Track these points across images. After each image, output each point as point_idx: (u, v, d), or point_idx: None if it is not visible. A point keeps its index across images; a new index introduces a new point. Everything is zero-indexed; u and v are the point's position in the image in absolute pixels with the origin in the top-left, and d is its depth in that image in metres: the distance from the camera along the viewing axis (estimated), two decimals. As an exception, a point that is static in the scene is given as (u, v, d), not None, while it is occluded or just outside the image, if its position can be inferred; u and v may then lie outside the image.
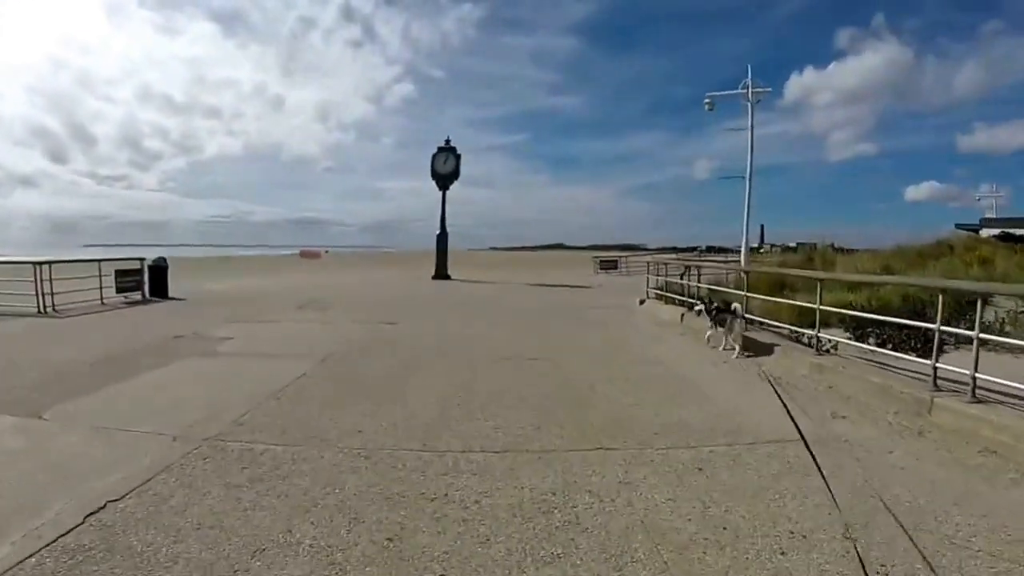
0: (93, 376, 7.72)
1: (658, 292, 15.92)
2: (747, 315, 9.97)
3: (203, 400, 6.56)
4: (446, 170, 28.33)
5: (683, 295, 13.89)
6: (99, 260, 16.87)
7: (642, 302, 16.06)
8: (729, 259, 39.28)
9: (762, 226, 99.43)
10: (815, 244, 26.44)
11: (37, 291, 14.17)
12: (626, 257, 42.28)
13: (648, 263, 18.55)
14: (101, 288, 16.08)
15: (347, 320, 13.31)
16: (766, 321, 10.18)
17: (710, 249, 77.22)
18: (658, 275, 16.77)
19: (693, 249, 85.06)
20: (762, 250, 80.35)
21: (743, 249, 24.60)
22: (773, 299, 11.05)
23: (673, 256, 43.51)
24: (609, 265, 39.73)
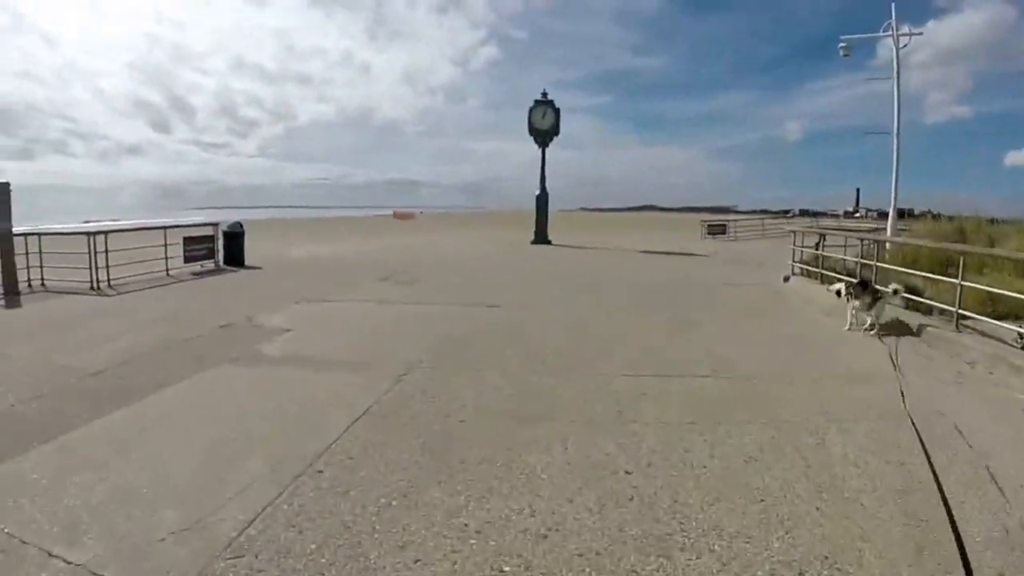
0: (69, 403, 5.51)
1: (804, 267, 13.22)
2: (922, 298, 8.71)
3: (184, 479, 4.02)
4: (545, 125, 25.55)
5: (837, 272, 11.46)
6: (165, 227, 15.40)
7: (787, 279, 13.47)
8: (842, 225, 36.81)
9: (857, 190, 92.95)
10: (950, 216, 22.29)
11: (91, 264, 12.62)
12: (734, 221, 39.59)
13: (793, 231, 15.22)
14: (167, 259, 14.44)
15: (437, 300, 10.87)
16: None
17: (803, 213, 73.98)
18: (802, 246, 13.94)
19: (786, 212, 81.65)
20: (857, 214, 75.35)
21: (891, 215, 20.98)
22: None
23: (767, 218, 44.10)
24: (717, 229, 37.12)
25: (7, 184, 11.92)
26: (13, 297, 11.50)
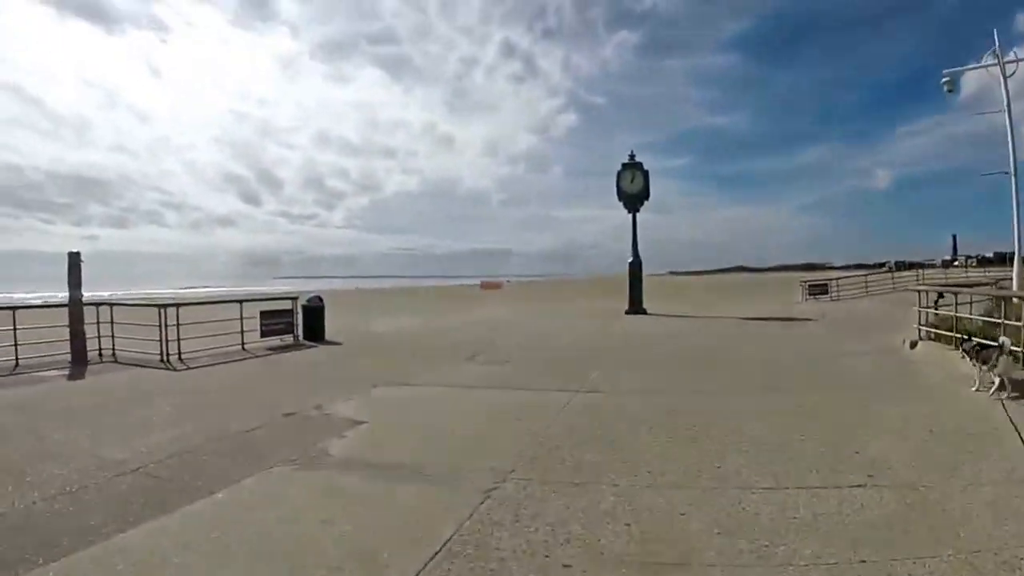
0: (94, 508, 4.71)
1: (931, 329, 11.87)
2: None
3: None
4: (634, 189, 24.49)
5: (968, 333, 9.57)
6: (241, 300, 15.04)
7: (913, 345, 11.96)
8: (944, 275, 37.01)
9: (954, 236, 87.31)
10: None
11: (161, 337, 12.39)
12: (835, 279, 37.01)
13: (920, 290, 13.39)
14: (242, 332, 14.06)
15: (530, 384, 9.66)
16: None
17: (899, 265, 70.88)
18: (925, 306, 12.50)
19: (881, 265, 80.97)
20: (956, 263, 70.24)
21: (1016, 265, 19.04)
22: None
23: (869, 274, 41.34)
24: (819, 290, 35.31)
25: (78, 254, 12.02)
26: (79, 368, 11.35)
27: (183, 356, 12.23)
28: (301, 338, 15.60)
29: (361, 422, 7.29)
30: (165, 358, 12.05)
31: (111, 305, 13.19)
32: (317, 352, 14.09)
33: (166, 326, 12.23)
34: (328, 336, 15.93)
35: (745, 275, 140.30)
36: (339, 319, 19.65)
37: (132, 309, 13.26)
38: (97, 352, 12.44)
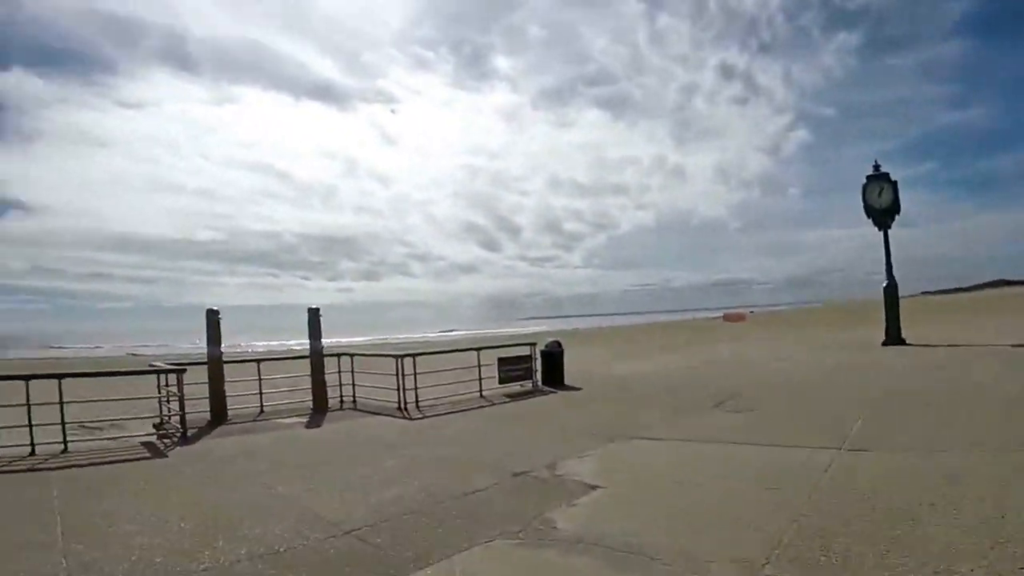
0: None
1: None
2: None
3: None
4: (882, 204, 21.21)
5: None
6: (478, 348, 14.90)
7: None
8: None
9: None
10: None
11: (399, 386, 12.42)
12: None
13: None
14: (480, 379, 13.78)
15: (784, 438, 7.89)
16: None
17: None
18: None
19: None
20: None
21: None
22: None
23: None
24: None
25: (317, 310, 12.71)
26: (319, 415, 11.83)
27: (421, 404, 12.27)
28: (540, 383, 15.10)
29: (594, 486, 6.32)
30: (403, 406, 12.15)
31: (352, 355, 13.74)
32: (555, 399, 13.41)
33: (403, 375, 12.39)
34: (567, 380, 15.22)
35: (1008, 289, 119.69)
36: (580, 360, 19.17)
37: (372, 360, 13.49)
38: (339, 399, 12.98)
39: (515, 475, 6.87)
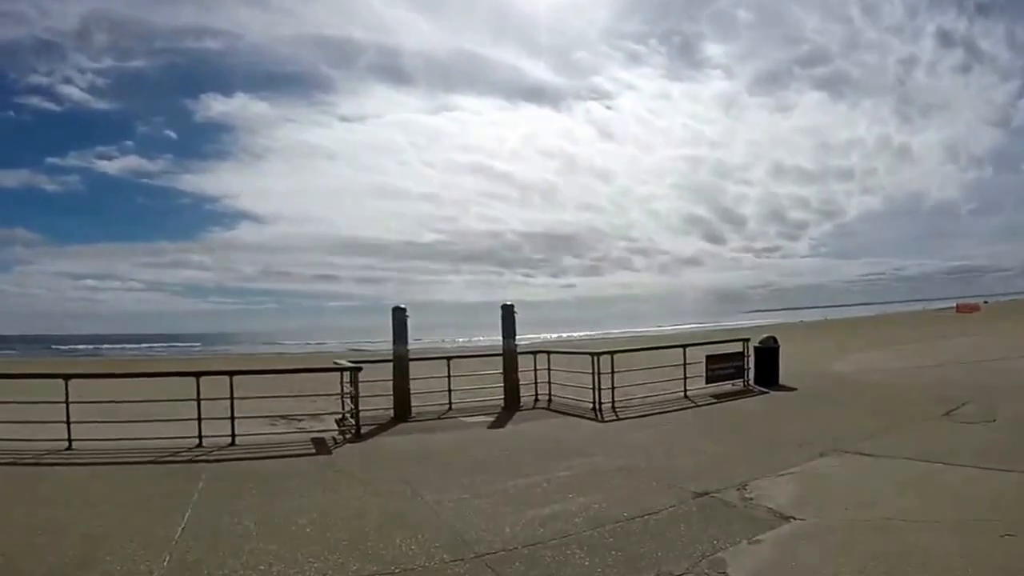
0: None
1: None
2: None
3: None
4: None
5: None
6: (667, 347, 13.94)
7: None
8: None
9: None
10: None
11: (594, 385, 11.59)
12: None
13: None
14: (685, 379, 12.53)
15: None
16: None
17: None
18: None
19: None
20: None
21: None
22: None
23: None
24: None
25: (511, 306, 12.34)
26: (508, 413, 11.42)
27: (617, 405, 11.34)
28: (752, 382, 13.59)
29: (788, 517, 5.16)
30: (597, 407, 11.34)
31: (548, 352, 13.14)
32: (765, 401, 11.98)
33: (599, 374, 11.53)
34: (783, 379, 13.54)
35: None
36: (799, 356, 17.30)
37: (576, 358, 12.89)
38: (533, 398, 12.49)
39: (697, 495, 5.86)
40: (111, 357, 52.48)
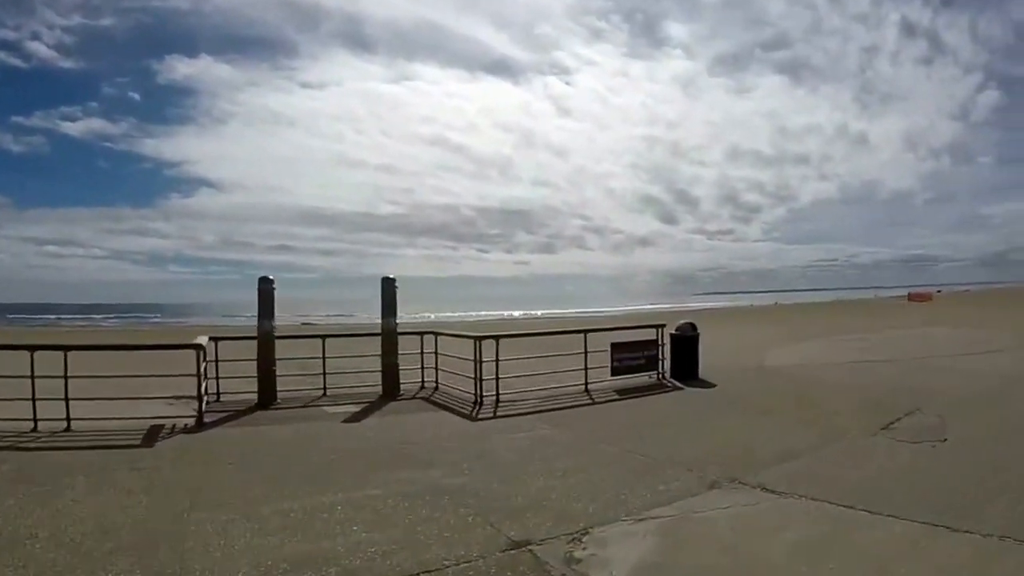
0: None
1: None
2: None
3: None
4: None
5: None
6: (585, 331, 12.10)
7: None
8: None
9: None
10: None
11: (476, 375, 10.35)
12: None
13: None
14: (586, 369, 11.22)
15: (991, 505, 4.63)
16: None
17: None
18: None
19: None
20: None
21: None
22: None
23: None
24: None
25: (392, 280, 11.11)
26: (378, 404, 9.81)
27: (505, 399, 10.05)
28: (667, 375, 12.31)
29: None
30: (479, 399, 10.02)
31: (436, 334, 11.71)
32: (675, 400, 10.61)
33: (481, 362, 10.17)
34: (704, 373, 12.31)
35: None
36: (734, 345, 16.67)
37: (455, 341, 11.53)
38: (419, 385, 11.22)
39: (510, 547, 4.38)
40: (60, 328, 51.35)
